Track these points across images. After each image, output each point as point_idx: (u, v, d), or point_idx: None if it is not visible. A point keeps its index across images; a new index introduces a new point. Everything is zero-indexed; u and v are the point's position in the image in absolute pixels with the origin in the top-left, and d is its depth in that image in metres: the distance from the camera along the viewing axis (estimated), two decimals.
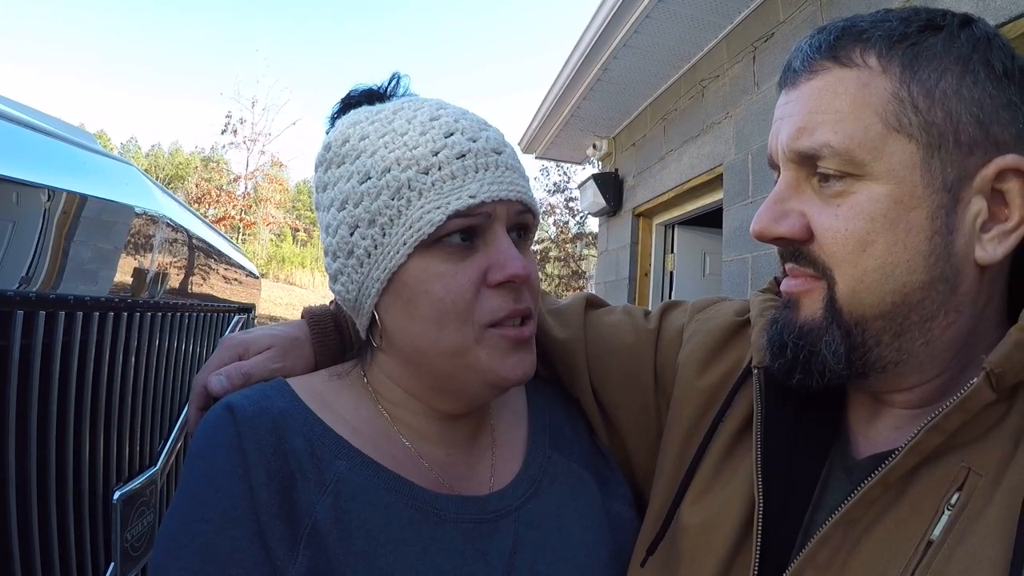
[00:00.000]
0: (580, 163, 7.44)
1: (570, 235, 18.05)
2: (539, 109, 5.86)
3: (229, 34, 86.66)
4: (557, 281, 18.06)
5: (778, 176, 0.69)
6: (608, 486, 0.88)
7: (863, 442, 0.70)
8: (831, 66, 0.63)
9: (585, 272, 17.21)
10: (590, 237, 16.19)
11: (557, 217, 18.34)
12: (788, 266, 0.68)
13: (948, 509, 0.57)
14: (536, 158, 7.03)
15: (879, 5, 2.72)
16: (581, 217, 16.95)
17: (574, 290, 17.43)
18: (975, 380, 0.57)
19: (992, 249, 0.60)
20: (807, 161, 0.63)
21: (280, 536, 0.65)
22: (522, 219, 0.76)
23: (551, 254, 17.97)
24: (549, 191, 18.10)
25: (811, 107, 0.63)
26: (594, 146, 6.03)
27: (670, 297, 5.09)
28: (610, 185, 5.62)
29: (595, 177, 5.71)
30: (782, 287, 0.71)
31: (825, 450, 0.71)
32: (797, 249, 0.66)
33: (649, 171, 5.03)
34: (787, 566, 0.63)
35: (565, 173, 17.19)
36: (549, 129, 6.04)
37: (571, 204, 17.01)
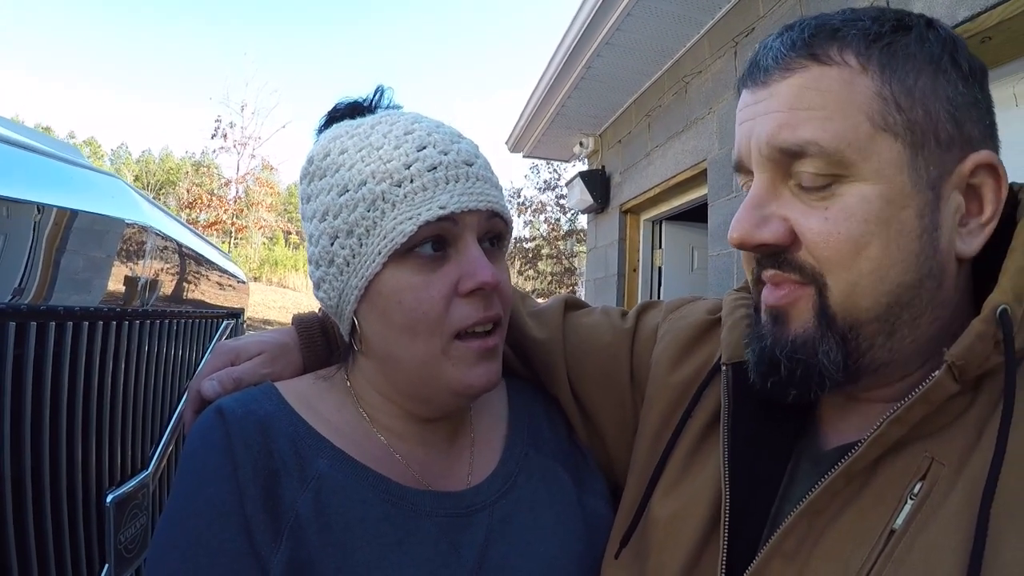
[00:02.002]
0: (567, 161, 7.46)
1: (562, 232, 18.03)
2: (525, 108, 5.86)
3: (217, 39, 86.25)
4: (549, 278, 18.04)
5: (745, 180, 0.68)
6: (585, 482, 0.90)
7: (832, 434, 0.70)
8: (809, 63, 0.61)
9: (577, 269, 17.21)
10: (582, 234, 16.17)
11: (548, 215, 18.34)
12: (769, 273, 0.66)
13: (911, 498, 0.58)
14: (524, 157, 7.04)
15: (857, 4, 2.76)
16: (572, 214, 16.94)
17: (567, 287, 17.42)
18: (936, 373, 0.57)
19: (970, 242, 0.62)
20: (787, 159, 0.61)
21: (265, 528, 0.69)
22: (493, 226, 0.78)
23: (543, 252, 17.97)
24: (540, 189, 18.10)
25: (792, 103, 0.61)
26: (580, 144, 6.04)
27: (659, 292, 5.12)
28: (597, 182, 5.63)
29: (582, 175, 5.72)
30: (765, 300, 0.68)
31: (792, 443, 0.72)
32: (779, 255, 0.64)
33: (635, 168, 5.06)
34: (755, 557, 0.64)
35: (555, 170, 17.17)
36: (536, 128, 6.05)
37: (562, 201, 17.00)
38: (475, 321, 0.74)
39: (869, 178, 0.59)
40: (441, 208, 0.72)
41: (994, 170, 0.61)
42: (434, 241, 0.74)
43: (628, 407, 0.92)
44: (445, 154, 0.75)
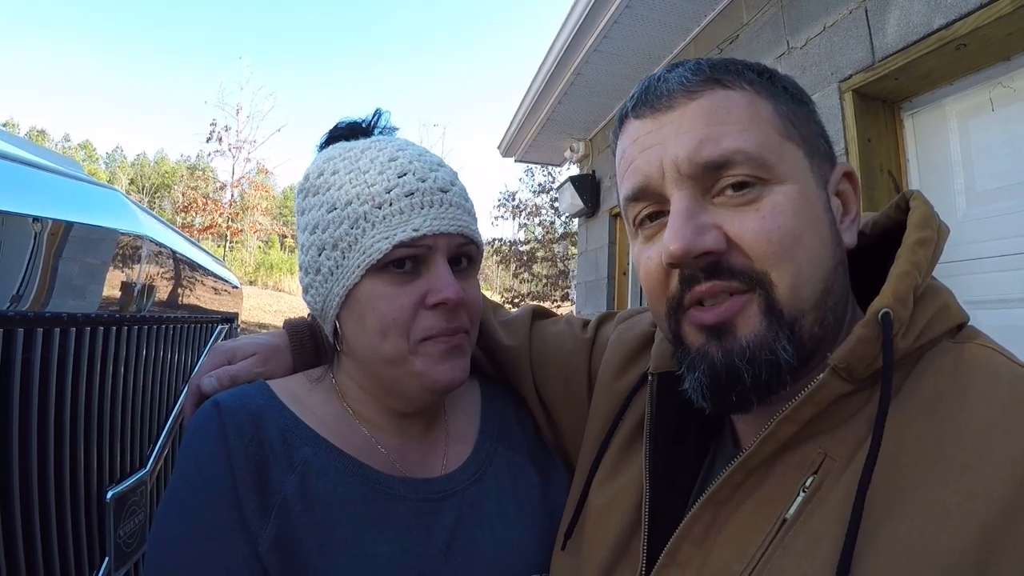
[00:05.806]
0: (559, 165, 7.52)
1: (556, 235, 18.10)
2: (516, 113, 5.94)
3: (212, 41, 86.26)
4: (544, 281, 18.11)
5: (643, 208, 0.72)
6: (549, 476, 0.99)
7: (744, 434, 0.77)
8: (716, 88, 0.68)
9: (571, 272, 17.27)
10: (576, 237, 16.22)
11: (543, 218, 18.42)
12: (707, 285, 0.66)
13: (803, 491, 0.62)
14: (516, 161, 7.10)
15: (835, 12, 2.83)
16: (566, 217, 17.01)
17: (561, 290, 17.49)
18: (821, 375, 0.62)
19: (850, 237, 0.70)
20: (710, 173, 0.65)
21: (254, 507, 0.76)
22: (464, 250, 0.87)
23: (538, 255, 18.03)
24: (534, 192, 18.19)
25: (707, 121, 0.66)
26: (571, 148, 6.11)
27: None
28: (587, 187, 5.71)
29: (572, 179, 5.80)
30: (701, 320, 0.68)
31: (708, 443, 0.80)
32: (717, 263, 0.65)
33: None
34: None
35: (550, 174, 17.29)
36: (527, 133, 6.12)
37: (556, 204, 17.06)
38: (439, 332, 0.83)
39: (787, 179, 0.66)
40: (415, 230, 0.81)
41: (852, 176, 0.73)
42: (408, 258, 0.82)
43: (584, 409, 0.99)
44: (423, 181, 0.84)
